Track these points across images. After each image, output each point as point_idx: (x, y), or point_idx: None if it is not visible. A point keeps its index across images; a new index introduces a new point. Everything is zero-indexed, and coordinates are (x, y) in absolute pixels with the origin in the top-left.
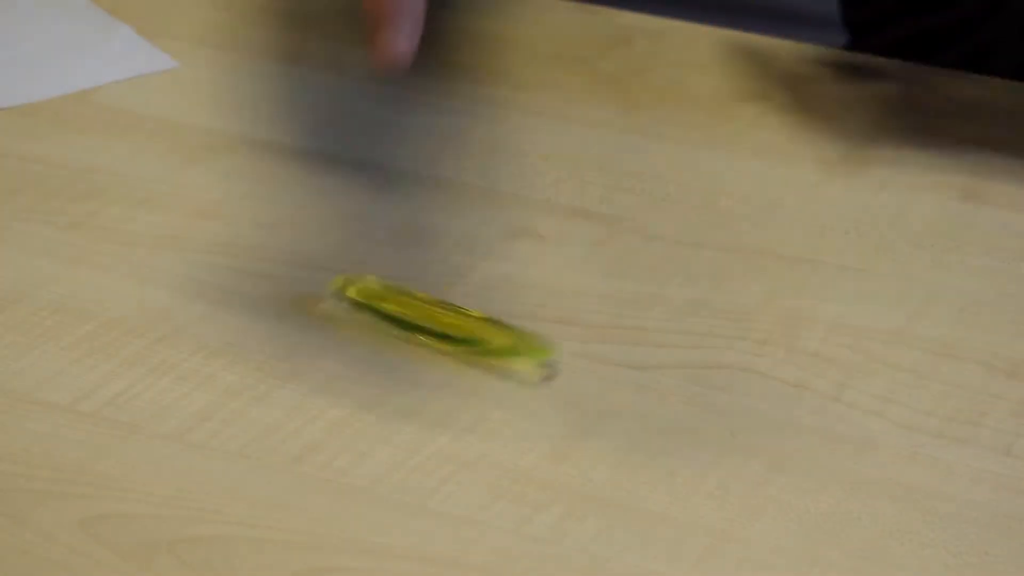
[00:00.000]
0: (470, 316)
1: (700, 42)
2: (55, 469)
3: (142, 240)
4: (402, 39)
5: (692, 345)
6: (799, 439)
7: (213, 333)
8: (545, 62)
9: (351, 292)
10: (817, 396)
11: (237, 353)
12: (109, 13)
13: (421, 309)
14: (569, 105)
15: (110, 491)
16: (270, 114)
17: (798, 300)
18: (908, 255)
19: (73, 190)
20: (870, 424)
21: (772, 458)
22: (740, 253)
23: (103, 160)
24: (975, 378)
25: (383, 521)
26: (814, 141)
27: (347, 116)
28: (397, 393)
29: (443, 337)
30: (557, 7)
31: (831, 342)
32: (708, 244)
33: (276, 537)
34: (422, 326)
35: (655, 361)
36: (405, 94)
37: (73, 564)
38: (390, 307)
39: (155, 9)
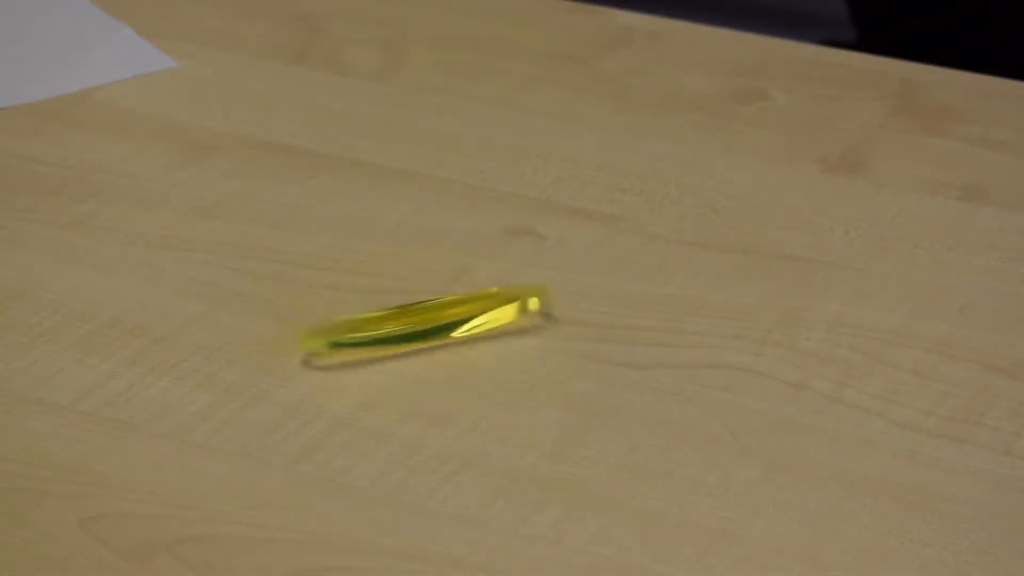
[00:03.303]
0: (448, 302)
1: (700, 42)
2: (55, 469)
3: (142, 240)
4: None
5: (692, 345)
6: (799, 439)
7: (213, 333)
8: (545, 62)
9: (325, 343)
10: (817, 396)
11: (237, 353)
12: (109, 13)
13: (396, 320)
14: (569, 105)
15: (110, 491)
16: (270, 114)
17: (798, 300)
18: (908, 255)
19: (73, 190)
20: (870, 424)
21: (772, 458)
22: (740, 253)
23: (103, 160)
24: (975, 378)
25: (383, 521)
26: (814, 141)
27: (347, 116)
28: (397, 393)
29: (427, 332)
30: (557, 7)
31: (831, 342)
32: (708, 244)
33: (276, 537)
34: (420, 331)
35: (655, 361)
36: (405, 94)
37: (73, 564)
38: (374, 331)
39: (155, 9)
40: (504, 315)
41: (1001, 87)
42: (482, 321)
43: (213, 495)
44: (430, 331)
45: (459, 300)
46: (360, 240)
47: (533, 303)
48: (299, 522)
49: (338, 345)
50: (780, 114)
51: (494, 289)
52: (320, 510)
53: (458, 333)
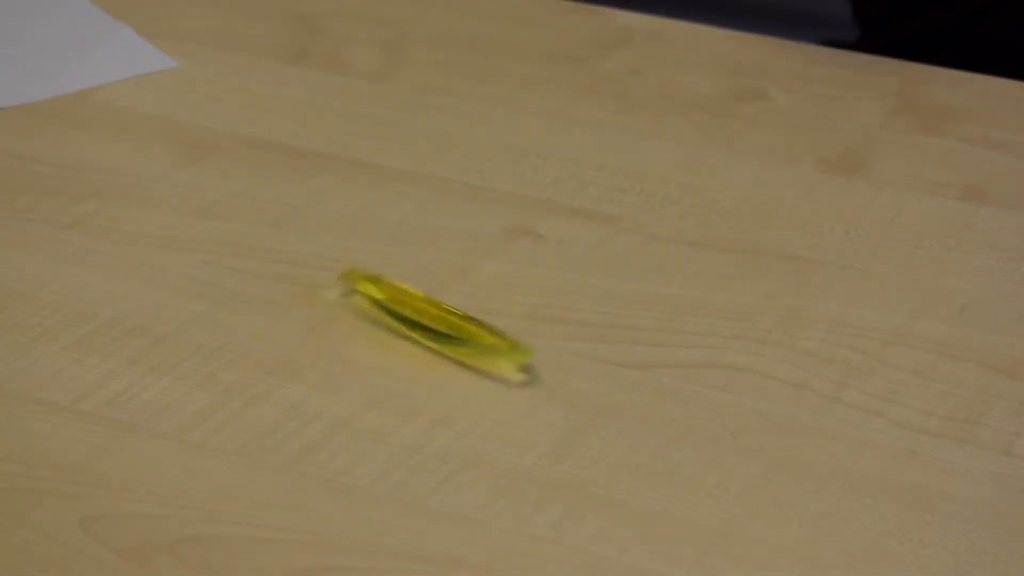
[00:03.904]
0: (457, 315)
1: (700, 42)
2: (55, 469)
3: (142, 240)
4: None
5: (692, 345)
6: (799, 439)
7: (213, 333)
8: (545, 62)
9: (359, 284)
10: (817, 396)
11: (237, 353)
12: (109, 13)
13: (417, 306)
14: (569, 105)
15: (110, 491)
16: (270, 114)
17: (798, 300)
18: (908, 255)
19: (73, 190)
20: (870, 424)
21: (772, 458)
22: (740, 253)
23: (103, 160)
24: (975, 378)
25: (383, 521)
26: (814, 141)
27: (347, 116)
28: (397, 393)
29: (433, 333)
30: (557, 7)
31: (831, 342)
32: (708, 244)
33: (276, 537)
34: (416, 322)
35: (655, 361)
36: (405, 94)
37: (73, 564)
38: (391, 303)
39: (155, 9)
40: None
41: (1001, 87)
42: (471, 354)
43: (213, 495)
44: (441, 336)
45: (467, 319)
46: (360, 240)
47: (515, 361)
48: (299, 522)
49: (369, 299)
50: (780, 114)
51: (487, 330)
52: (320, 510)
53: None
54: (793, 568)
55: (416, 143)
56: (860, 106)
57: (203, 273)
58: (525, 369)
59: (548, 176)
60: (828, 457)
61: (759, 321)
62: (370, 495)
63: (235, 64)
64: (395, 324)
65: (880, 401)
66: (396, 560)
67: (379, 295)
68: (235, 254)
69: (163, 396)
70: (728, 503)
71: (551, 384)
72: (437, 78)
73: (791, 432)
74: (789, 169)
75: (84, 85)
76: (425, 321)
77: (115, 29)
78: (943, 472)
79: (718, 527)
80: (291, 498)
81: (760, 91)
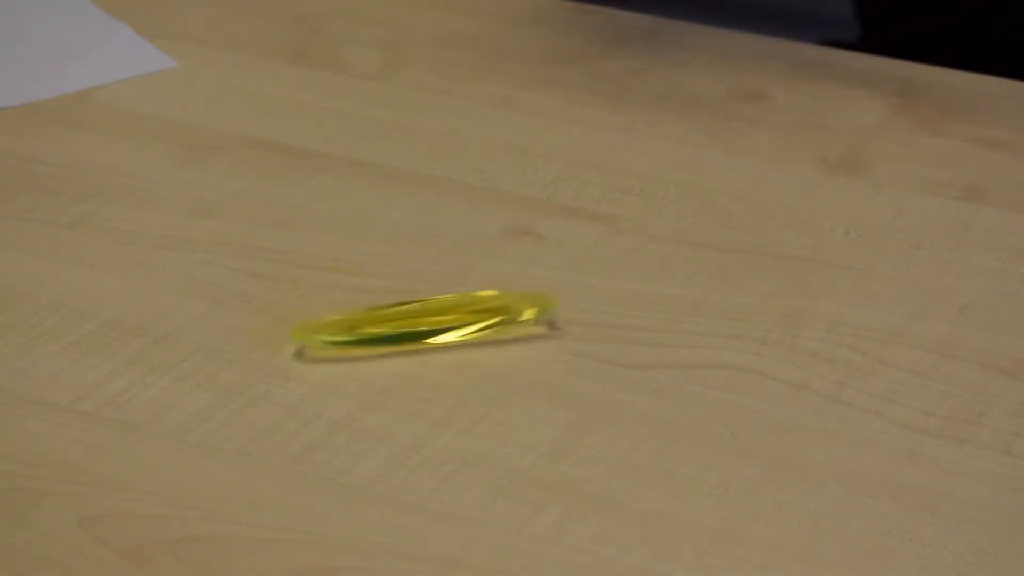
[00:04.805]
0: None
1: (700, 42)
2: (55, 469)
3: (142, 240)
4: None
5: (692, 345)
6: (799, 439)
7: (213, 333)
8: (545, 62)
9: (323, 336)
10: (817, 396)
11: (237, 353)
12: (109, 13)
13: (412, 317)
14: (569, 105)
15: (110, 491)
16: (270, 114)
17: (798, 300)
18: (908, 255)
19: (73, 190)
20: (870, 424)
21: (772, 458)
22: (740, 253)
23: (103, 160)
24: (975, 378)
25: (383, 521)
26: (814, 141)
27: (347, 116)
28: (397, 393)
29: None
30: (557, 7)
31: (831, 342)
32: (708, 244)
33: (276, 537)
34: (423, 331)
35: (655, 361)
36: (405, 94)
37: (73, 563)
38: (365, 332)
39: (155, 9)
40: (496, 326)
41: (1001, 87)
42: (472, 331)
43: (213, 495)
44: (420, 334)
45: (456, 303)
46: (360, 240)
47: (528, 314)
48: (299, 522)
49: (329, 343)
50: (780, 114)
51: (493, 293)
52: (320, 510)
53: (446, 340)
54: (793, 568)
55: (416, 143)
56: (860, 106)
57: (203, 273)
58: (548, 318)
59: (548, 176)
60: (828, 457)
61: (759, 321)
62: (370, 495)
63: (235, 64)
64: (375, 349)
65: (880, 401)
66: (396, 560)
67: (339, 339)
68: (235, 254)
69: (163, 396)
70: (728, 503)
71: (551, 384)
72: (437, 78)
73: (791, 432)
74: (789, 169)
75: (84, 85)
76: (406, 327)
77: (115, 29)
78: (943, 472)
79: (718, 527)
80: (291, 498)
81: (760, 91)
